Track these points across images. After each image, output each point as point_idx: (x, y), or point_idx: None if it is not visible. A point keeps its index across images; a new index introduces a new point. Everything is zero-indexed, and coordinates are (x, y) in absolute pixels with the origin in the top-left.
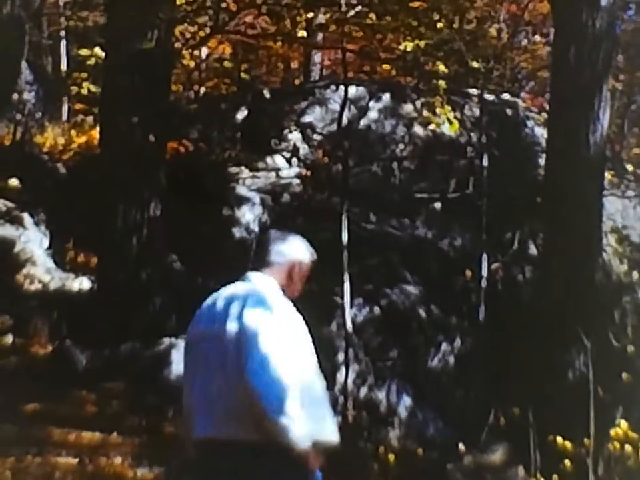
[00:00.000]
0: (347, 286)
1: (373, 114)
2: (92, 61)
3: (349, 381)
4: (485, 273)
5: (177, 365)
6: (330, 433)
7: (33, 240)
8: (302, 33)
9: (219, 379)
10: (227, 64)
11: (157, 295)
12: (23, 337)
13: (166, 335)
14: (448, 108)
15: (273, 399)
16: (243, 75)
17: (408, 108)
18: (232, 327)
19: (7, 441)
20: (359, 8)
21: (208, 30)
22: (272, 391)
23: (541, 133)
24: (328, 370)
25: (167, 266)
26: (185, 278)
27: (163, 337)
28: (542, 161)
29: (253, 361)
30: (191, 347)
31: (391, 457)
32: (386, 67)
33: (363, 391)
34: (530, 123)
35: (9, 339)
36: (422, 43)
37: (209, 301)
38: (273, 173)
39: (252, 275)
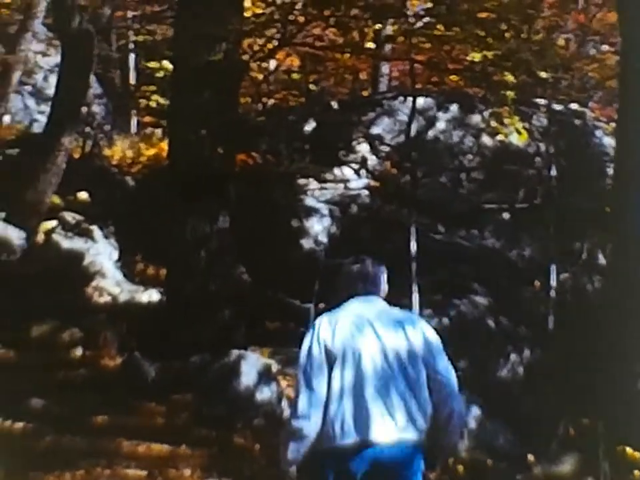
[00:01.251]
0: (415, 297)
1: (441, 125)
2: (160, 74)
3: None
4: (553, 283)
5: (246, 376)
6: None
7: (102, 252)
8: (370, 45)
9: (401, 388)
10: (295, 76)
11: (226, 306)
12: (93, 349)
13: (235, 346)
14: (516, 118)
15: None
16: (311, 86)
17: (476, 118)
18: (419, 341)
19: (77, 453)
20: (426, 19)
21: (276, 42)
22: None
23: (609, 142)
24: None
25: (236, 278)
26: (253, 290)
27: (232, 348)
28: (610, 171)
29: (451, 372)
30: (343, 361)
31: (460, 467)
32: (454, 77)
33: None
34: (598, 133)
35: (79, 351)
36: (490, 54)
37: (348, 320)
38: (342, 185)
39: (375, 299)
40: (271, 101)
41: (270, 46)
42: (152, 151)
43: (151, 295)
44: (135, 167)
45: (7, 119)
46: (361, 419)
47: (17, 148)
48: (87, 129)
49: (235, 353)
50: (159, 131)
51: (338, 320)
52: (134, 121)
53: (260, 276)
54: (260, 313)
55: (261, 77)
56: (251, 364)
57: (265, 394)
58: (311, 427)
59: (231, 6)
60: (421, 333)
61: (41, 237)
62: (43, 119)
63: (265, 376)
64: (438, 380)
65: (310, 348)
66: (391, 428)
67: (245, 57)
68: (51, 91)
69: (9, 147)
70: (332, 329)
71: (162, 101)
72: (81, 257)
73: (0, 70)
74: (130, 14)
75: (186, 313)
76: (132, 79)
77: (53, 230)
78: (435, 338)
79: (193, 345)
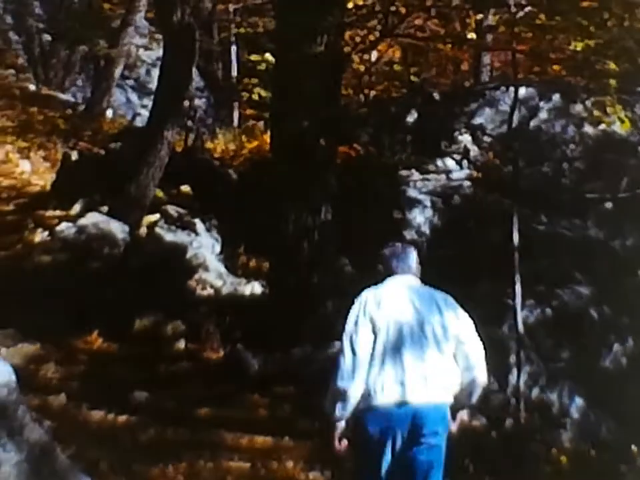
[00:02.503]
0: (518, 287)
1: (543, 114)
2: (262, 66)
3: (521, 383)
4: None
5: None
6: None
7: (204, 245)
8: (471, 35)
9: (434, 356)
10: (396, 67)
11: (328, 298)
12: (196, 342)
13: (337, 338)
14: (619, 107)
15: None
16: (412, 77)
17: (578, 107)
18: (450, 316)
19: (180, 445)
20: (528, 8)
21: (377, 33)
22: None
23: None
24: (500, 371)
25: (338, 269)
26: (355, 281)
27: (334, 340)
28: None
29: (478, 343)
30: (386, 331)
31: (563, 458)
32: (556, 67)
33: (535, 392)
34: None
35: (182, 344)
36: (592, 42)
37: (388, 295)
38: (444, 175)
39: (411, 277)
40: (373, 93)
41: (372, 37)
42: (254, 144)
43: (254, 288)
44: (237, 159)
45: (109, 112)
46: (401, 381)
47: (119, 142)
48: (190, 123)
49: (338, 344)
50: (261, 124)
51: (382, 294)
52: (236, 114)
53: (362, 267)
54: None
55: (362, 68)
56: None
57: None
58: (354, 388)
59: None
60: (452, 309)
61: (143, 231)
62: (145, 113)
63: None
64: (465, 350)
65: (357, 318)
66: (427, 390)
67: (347, 49)
68: (153, 84)
69: (112, 140)
70: (377, 302)
71: (264, 93)
72: (183, 250)
73: (103, 64)
74: (231, 7)
75: (289, 305)
76: (234, 72)
77: (155, 223)
78: (463, 314)
79: (296, 337)
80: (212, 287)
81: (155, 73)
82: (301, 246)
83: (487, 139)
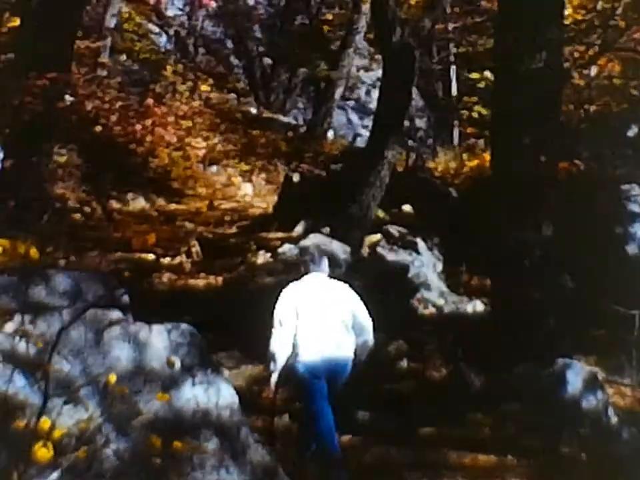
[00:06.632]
0: None
1: None
2: (482, 84)
3: None
4: None
5: (572, 385)
6: None
7: (426, 264)
8: None
9: (339, 326)
10: (616, 81)
11: (551, 315)
12: (418, 361)
13: (560, 355)
14: None
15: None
16: (633, 91)
17: None
18: (348, 299)
19: (403, 464)
20: None
21: (597, 48)
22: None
23: None
24: None
25: (560, 286)
26: (578, 297)
27: (558, 357)
28: None
29: (367, 317)
30: (305, 311)
31: None
32: None
33: None
34: None
35: (404, 363)
36: None
37: (306, 287)
38: None
39: (323, 275)
40: (593, 108)
41: (591, 52)
42: (475, 162)
43: (476, 306)
44: (458, 178)
45: (330, 134)
46: (319, 344)
47: (340, 163)
48: (410, 142)
49: (561, 361)
50: (481, 142)
51: (302, 287)
52: (456, 132)
53: (584, 283)
54: (585, 320)
55: (582, 83)
56: (577, 372)
57: (590, 402)
58: (282, 351)
59: (551, 14)
60: (350, 295)
61: (365, 251)
62: (366, 133)
63: (591, 384)
64: (359, 322)
65: (284, 303)
66: (337, 349)
67: (566, 65)
68: (373, 105)
69: (333, 161)
70: (299, 291)
71: (484, 111)
72: (405, 269)
73: (323, 86)
74: (451, 26)
75: (511, 323)
76: (453, 91)
77: (377, 243)
78: (358, 298)
79: (519, 355)
80: (434, 305)
81: (375, 93)
82: (522, 263)
83: None
